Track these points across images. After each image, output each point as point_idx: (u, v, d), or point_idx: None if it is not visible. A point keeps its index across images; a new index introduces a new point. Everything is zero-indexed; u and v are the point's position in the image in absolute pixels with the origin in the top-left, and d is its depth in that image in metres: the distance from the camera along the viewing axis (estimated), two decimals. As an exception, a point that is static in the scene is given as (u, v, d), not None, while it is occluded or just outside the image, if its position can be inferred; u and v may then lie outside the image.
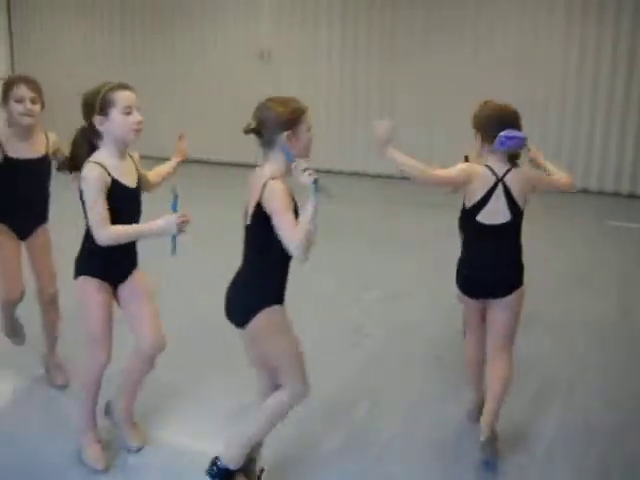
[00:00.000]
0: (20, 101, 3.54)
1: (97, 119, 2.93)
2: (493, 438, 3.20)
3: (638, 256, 7.10)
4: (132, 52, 13.37)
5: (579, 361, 4.38)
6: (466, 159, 3.55)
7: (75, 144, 3.04)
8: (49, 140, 3.78)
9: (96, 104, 2.91)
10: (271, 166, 2.75)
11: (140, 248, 3.27)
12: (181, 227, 2.86)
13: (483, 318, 3.40)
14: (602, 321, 5.09)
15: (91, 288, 3.06)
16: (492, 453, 3.19)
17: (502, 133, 3.14)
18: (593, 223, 8.53)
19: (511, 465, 3.23)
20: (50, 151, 3.78)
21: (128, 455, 3.24)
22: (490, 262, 3.26)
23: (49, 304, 3.90)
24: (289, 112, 2.75)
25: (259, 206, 2.66)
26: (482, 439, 3.20)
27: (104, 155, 2.96)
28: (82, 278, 3.08)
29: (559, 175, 3.36)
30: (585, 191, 10.17)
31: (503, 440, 3.34)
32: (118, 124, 2.92)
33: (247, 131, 2.83)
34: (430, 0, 10.70)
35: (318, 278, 5.95)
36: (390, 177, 11.06)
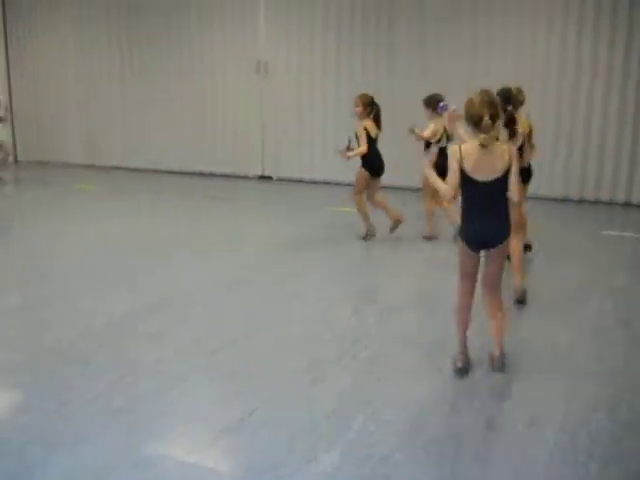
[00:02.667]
0: None
1: None
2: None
3: (633, 265, 7.10)
4: (129, 65, 13.39)
5: (579, 371, 4.36)
6: None
7: None
8: None
9: None
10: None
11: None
12: None
13: None
14: (600, 330, 5.07)
15: None
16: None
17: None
18: (589, 232, 8.53)
19: (510, 473, 3.21)
20: None
21: (124, 473, 3.21)
22: None
23: None
24: None
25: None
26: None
27: None
28: None
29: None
30: (581, 200, 10.22)
31: (503, 450, 3.36)
32: None
33: None
34: (427, 11, 10.75)
35: (316, 291, 5.98)
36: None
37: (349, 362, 4.46)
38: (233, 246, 7.58)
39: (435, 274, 6.50)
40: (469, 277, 4.28)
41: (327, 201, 9.61)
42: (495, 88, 8.95)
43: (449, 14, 10.59)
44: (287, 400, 3.93)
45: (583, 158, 10.24)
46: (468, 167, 3.98)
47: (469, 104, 3.98)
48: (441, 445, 3.47)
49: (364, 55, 11.31)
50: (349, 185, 10.89)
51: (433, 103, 7.14)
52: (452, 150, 4.07)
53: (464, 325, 4.35)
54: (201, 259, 6.96)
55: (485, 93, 3.99)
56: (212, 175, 12.66)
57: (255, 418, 3.70)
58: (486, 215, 4.11)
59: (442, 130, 7.22)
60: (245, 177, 12.55)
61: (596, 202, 10.18)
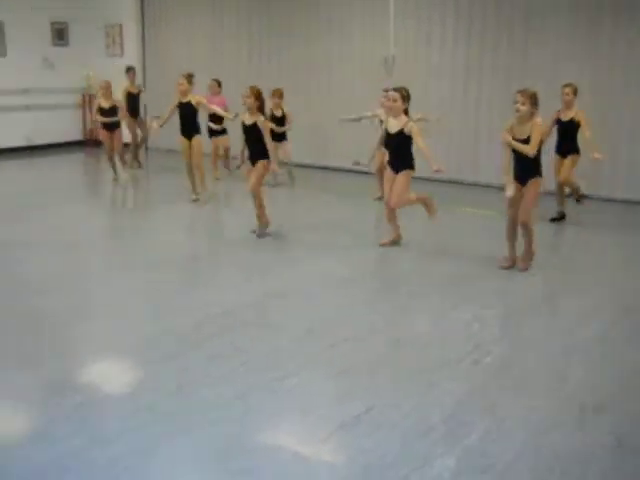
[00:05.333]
0: None
1: None
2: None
3: None
4: (258, 55, 13.64)
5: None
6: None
7: None
8: None
9: None
10: None
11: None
12: None
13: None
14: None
15: None
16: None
17: None
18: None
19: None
20: None
21: (240, 458, 3.23)
22: None
23: None
24: None
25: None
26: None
27: None
28: None
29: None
30: None
31: (632, 471, 3.16)
32: None
33: None
34: (564, 17, 10.32)
35: (436, 295, 5.86)
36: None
37: (469, 367, 4.32)
38: (347, 242, 7.44)
39: (556, 277, 6.21)
40: None
41: (462, 199, 9.35)
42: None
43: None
44: (404, 400, 3.84)
45: None
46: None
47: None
48: (565, 462, 3.28)
49: (494, 57, 10.96)
50: (475, 185, 10.72)
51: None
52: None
53: None
54: (317, 252, 6.93)
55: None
56: (335, 169, 12.66)
57: (371, 416, 3.64)
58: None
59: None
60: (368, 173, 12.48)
61: None
